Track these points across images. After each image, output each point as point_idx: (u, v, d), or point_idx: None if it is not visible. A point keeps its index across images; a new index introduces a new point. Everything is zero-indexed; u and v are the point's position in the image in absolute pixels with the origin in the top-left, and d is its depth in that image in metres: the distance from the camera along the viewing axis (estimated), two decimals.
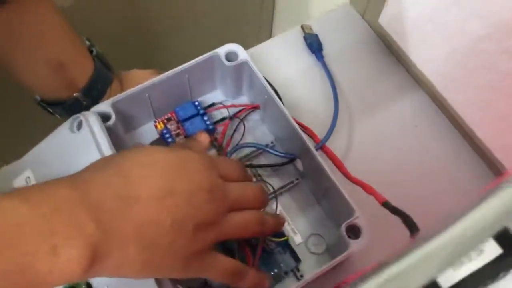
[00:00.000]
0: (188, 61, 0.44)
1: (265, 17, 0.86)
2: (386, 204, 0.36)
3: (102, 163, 0.30)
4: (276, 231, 0.38)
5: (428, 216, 0.44)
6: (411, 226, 0.30)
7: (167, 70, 0.54)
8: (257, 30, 0.88)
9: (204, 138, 0.40)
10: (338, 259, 0.37)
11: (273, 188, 0.45)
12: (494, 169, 0.47)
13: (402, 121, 0.50)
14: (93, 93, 0.44)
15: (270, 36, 0.89)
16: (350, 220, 0.38)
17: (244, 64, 0.44)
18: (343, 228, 0.38)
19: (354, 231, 0.38)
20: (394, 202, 0.37)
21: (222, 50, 0.44)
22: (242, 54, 0.44)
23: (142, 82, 0.48)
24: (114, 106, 0.42)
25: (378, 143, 0.49)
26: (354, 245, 0.37)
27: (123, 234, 0.27)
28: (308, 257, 0.43)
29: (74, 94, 0.44)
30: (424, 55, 0.50)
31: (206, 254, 0.31)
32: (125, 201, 0.27)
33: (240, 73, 0.46)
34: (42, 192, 0.26)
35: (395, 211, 0.34)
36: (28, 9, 0.39)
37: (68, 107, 0.44)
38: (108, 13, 0.66)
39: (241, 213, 0.33)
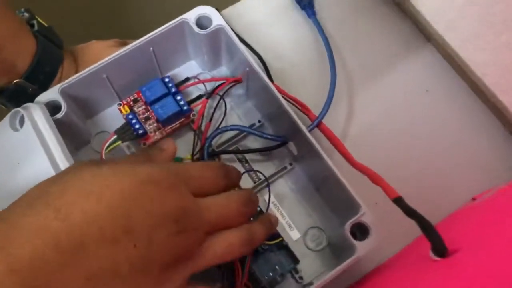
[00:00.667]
0: (154, 29, 0.36)
1: None
2: (398, 201, 0.29)
3: (35, 196, 0.22)
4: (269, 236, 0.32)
5: (449, 196, 0.38)
6: (434, 243, 0.24)
7: (132, 39, 0.47)
8: None
9: (170, 145, 0.31)
10: (344, 265, 0.31)
11: (264, 176, 0.38)
12: None
13: (411, 86, 0.43)
14: (39, 77, 0.37)
15: None
16: (355, 218, 0.32)
17: (220, 30, 0.37)
18: (347, 227, 0.32)
19: (360, 229, 0.32)
20: (408, 188, 0.31)
21: (191, 15, 0.36)
22: (217, 18, 0.36)
23: (102, 57, 0.40)
24: (64, 93, 0.34)
25: (384, 116, 0.42)
26: (361, 248, 0.31)
27: (69, 285, 0.20)
28: (307, 254, 0.37)
29: (15, 81, 0.36)
30: (435, 4, 0.42)
31: None
32: (68, 252, 0.20)
33: (217, 41, 0.38)
34: None
35: (409, 212, 0.27)
36: None
37: (11, 96, 0.37)
38: None
39: (221, 236, 0.26)
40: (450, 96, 0.43)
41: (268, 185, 0.38)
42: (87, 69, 0.35)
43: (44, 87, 0.38)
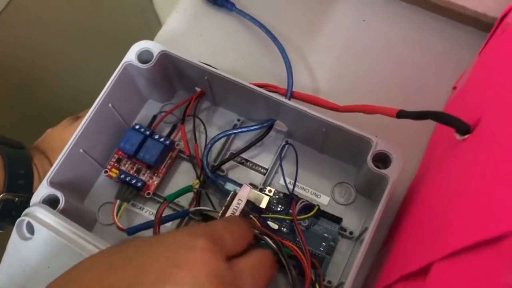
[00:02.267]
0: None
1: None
2: (402, 114, 0.30)
3: None
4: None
5: (431, 98, 0.40)
6: (456, 125, 0.25)
7: (75, 112, 0.46)
8: (143, 22, 0.78)
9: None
10: (385, 195, 0.32)
11: (265, 170, 0.39)
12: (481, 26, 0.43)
13: (348, 24, 0.45)
14: (19, 183, 0.36)
15: (159, 21, 0.79)
16: (371, 152, 0.33)
17: (164, 56, 0.37)
18: (370, 164, 0.32)
19: (381, 160, 0.33)
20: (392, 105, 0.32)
21: (131, 55, 0.36)
22: (156, 46, 0.36)
23: (67, 137, 0.40)
24: (53, 184, 0.34)
25: (339, 59, 0.44)
26: (392, 173, 0.32)
27: None
28: (343, 211, 0.38)
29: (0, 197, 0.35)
30: None
31: None
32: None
33: (165, 68, 0.38)
34: None
35: (419, 115, 0.29)
36: None
37: (2, 214, 0.36)
38: None
39: None
40: (387, 17, 0.45)
41: (282, 170, 0.38)
42: (64, 151, 0.34)
43: (29, 189, 0.37)
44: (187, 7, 0.47)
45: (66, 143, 0.37)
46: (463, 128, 0.25)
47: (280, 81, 0.40)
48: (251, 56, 0.45)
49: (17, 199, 0.36)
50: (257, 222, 0.33)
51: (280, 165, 0.38)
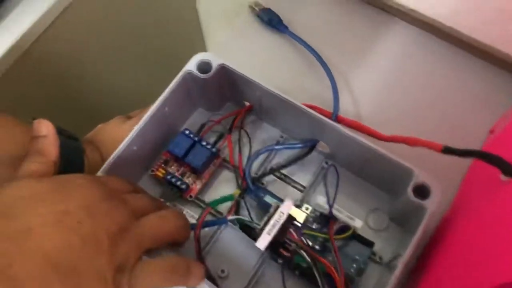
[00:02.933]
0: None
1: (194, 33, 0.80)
2: (447, 150, 0.32)
3: None
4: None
5: (467, 138, 0.42)
6: (503, 167, 0.27)
7: (126, 111, 0.48)
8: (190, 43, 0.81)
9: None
10: (422, 225, 0.33)
11: (303, 187, 0.41)
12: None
13: (395, 57, 0.47)
14: (70, 171, 0.38)
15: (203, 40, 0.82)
16: (412, 182, 0.34)
17: (221, 69, 0.39)
18: (410, 192, 0.34)
19: (420, 192, 0.35)
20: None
21: (192, 65, 0.39)
22: (215, 59, 0.39)
23: (120, 134, 0.41)
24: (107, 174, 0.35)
25: (383, 90, 0.46)
26: (431, 205, 0.33)
27: (32, 270, 0.23)
28: (375, 236, 0.39)
29: None
30: None
31: (136, 265, 0.28)
32: (17, 239, 0.23)
33: (220, 80, 0.40)
34: None
35: (465, 152, 0.30)
36: None
37: None
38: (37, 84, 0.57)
39: (151, 214, 0.30)
40: (432, 55, 0.47)
41: (326, 189, 0.40)
42: (120, 146, 0.36)
43: None
44: (241, 25, 0.49)
45: (118, 139, 0.39)
46: (509, 170, 0.27)
47: (323, 104, 0.42)
48: (298, 78, 0.47)
49: None
50: (295, 235, 0.35)
51: (325, 185, 0.40)
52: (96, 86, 0.65)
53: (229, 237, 0.39)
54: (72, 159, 0.39)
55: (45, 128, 0.31)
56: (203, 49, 0.87)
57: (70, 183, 0.28)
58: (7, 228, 0.24)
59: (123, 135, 0.38)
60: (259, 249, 0.38)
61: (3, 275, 0.22)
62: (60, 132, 0.39)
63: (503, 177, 0.27)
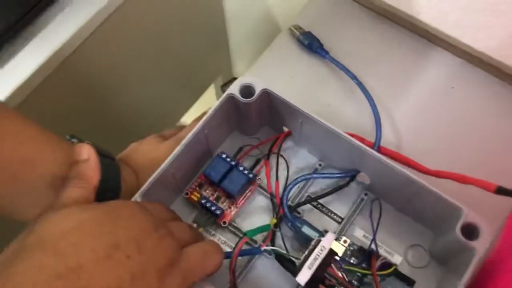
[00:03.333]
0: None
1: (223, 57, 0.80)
2: (501, 191, 0.31)
3: (15, 250, 0.24)
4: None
5: None
6: None
7: (159, 124, 0.47)
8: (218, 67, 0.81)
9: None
10: (471, 268, 0.32)
11: (340, 218, 0.39)
12: None
13: (438, 88, 0.46)
14: (108, 195, 0.37)
15: (229, 58, 0.82)
16: (461, 221, 0.33)
17: (264, 94, 0.38)
18: (458, 232, 0.32)
19: (468, 232, 0.33)
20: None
21: (235, 89, 0.38)
22: (259, 84, 0.38)
23: (155, 155, 0.41)
24: (144, 197, 0.35)
25: (427, 122, 0.45)
26: (481, 247, 0.32)
27: None
28: (415, 273, 0.37)
29: None
30: (429, 10, 0.45)
31: None
32: (68, 277, 0.22)
33: (261, 105, 0.39)
34: None
35: None
36: (3, 135, 0.31)
37: None
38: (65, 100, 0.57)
39: (193, 245, 0.30)
40: (477, 87, 0.45)
41: (372, 221, 0.39)
42: (159, 170, 0.35)
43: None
44: (281, 48, 0.48)
45: (155, 160, 0.38)
46: None
47: (362, 133, 0.41)
48: (336, 104, 0.46)
49: None
50: (336, 270, 0.33)
51: (371, 217, 0.39)
52: (125, 102, 0.65)
53: (263, 267, 0.38)
54: (108, 180, 0.38)
55: (87, 152, 0.31)
56: (230, 68, 0.87)
57: (117, 213, 0.27)
58: (58, 266, 0.23)
59: (160, 156, 0.37)
60: (293, 281, 0.37)
61: None
62: (97, 151, 0.39)
63: None
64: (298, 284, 0.37)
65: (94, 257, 0.24)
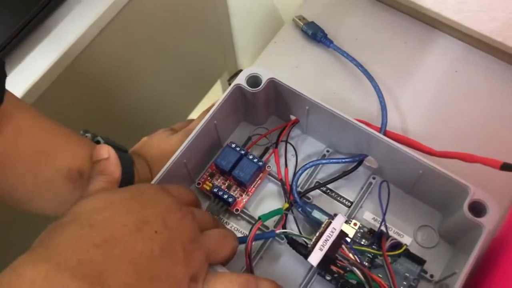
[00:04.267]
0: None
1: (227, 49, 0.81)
2: (506, 167, 0.31)
3: (54, 227, 0.26)
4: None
5: None
6: None
7: (168, 119, 0.49)
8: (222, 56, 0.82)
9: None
10: (479, 245, 0.32)
11: (350, 202, 0.40)
12: None
13: (442, 72, 0.46)
14: (121, 184, 0.38)
15: (234, 53, 0.83)
16: (468, 199, 0.33)
17: (271, 83, 0.39)
18: (466, 210, 0.33)
19: (476, 209, 0.34)
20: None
21: (242, 79, 0.39)
22: (265, 73, 0.39)
23: (165, 147, 0.42)
24: None
25: (433, 105, 0.45)
26: (488, 223, 0.33)
27: (120, 277, 0.23)
28: (425, 253, 0.38)
29: None
30: None
31: (209, 275, 0.29)
32: (104, 247, 0.24)
33: (266, 94, 0.40)
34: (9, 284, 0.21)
35: None
36: (19, 129, 0.32)
37: None
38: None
39: (213, 230, 0.32)
40: (480, 69, 0.46)
41: (381, 204, 0.39)
42: (171, 160, 0.36)
43: None
44: (285, 39, 0.49)
45: (166, 152, 0.39)
46: None
47: (369, 119, 0.42)
48: (342, 92, 0.46)
49: None
50: (347, 251, 0.34)
51: (379, 200, 0.39)
52: (134, 98, 0.66)
53: (277, 252, 0.39)
54: (123, 172, 0.39)
55: (106, 151, 0.33)
56: (235, 62, 0.88)
57: (143, 194, 0.29)
58: (94, 237, 0.24)
59: (172, 148, 0.38)
60: (306, 264, 0.38)
61: (95, 281, 0.22)
62: (111, 144, 0.40)
63: None
64: (311, 267, 0.38)
65: (126, 230, 0.25)
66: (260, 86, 0.39)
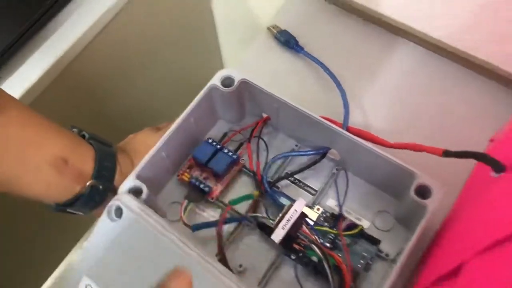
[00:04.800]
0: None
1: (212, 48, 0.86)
2: (447, 153, 0.35)
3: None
4: None
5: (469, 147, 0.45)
6: (493, 164, 0.30)
7: (156, 123, 0.53)
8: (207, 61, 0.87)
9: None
10: (423, 222, 0.36)
11: (315, 191, 0.44)
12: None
13: (401, 74, 0.51)
14: (104, 174, 0.42)
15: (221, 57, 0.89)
16: (415, 183, 0.38)
17: (243, 83, 0.43)
18: (412, 192, 0.37)
19: (422, 192, 0.38)
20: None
21: (216, 79, 0.43)
22: (238, 75, 0.43)
23: (149, 143, 0.46)
24: (139, 177, 0.40)
25: (392, 104, 0.50)
26: (431, 204, 0.37)
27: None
28: (382, 235, 0.42)
29: (88, 183, 0.42)
30: (391, 3, 0.51)
31: None
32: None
33: (239, 94, 0.45)
34: None
35: (463, 154, 0.34)
36: (9, 119, 0.37)
37: (87, 199, 0.42)
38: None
39: None
40: (435, 71, 0.51)
41: (337, 190, 0.44)
42: (151, 151, 0.40)
43: (110, 181, 0.43)
44: (260, 46, 0.54)
45: (149, 147, 0.43)
46: (499, 166, 0.30)
47: (335, 117, 0.46)
48: (312, 93, 0.51)
49: (101, 187, 0.42)
50: (307, 231, 0.38)
51: (336, 188, 0.44)
52: (126, 103, 0.71)
53: (247, 235, 0.43)
54: (106, 160, 0.43)
55: None
56: (221, 67, 0.93)
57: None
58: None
59: (154, 144, 0.43)
60: (274, 246, 0.42)
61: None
62: (95, 139, 0.44)
63: (493, 174, 0.31)
64: (278, 248, 0.42)
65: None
66: (233, 86, 0.43)
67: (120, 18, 0.59)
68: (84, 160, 0.43)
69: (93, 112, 0.65)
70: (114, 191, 0.43)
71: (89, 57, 0.58)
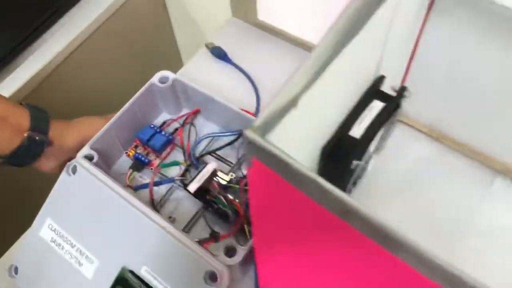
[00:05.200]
0: None
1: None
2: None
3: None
4: None
5: None
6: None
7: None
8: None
9: None
10: None
11: (231, 163, 0.58)
12: None
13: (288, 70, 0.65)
14: (39, 127, 0.54)
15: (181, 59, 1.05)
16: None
17: (176, 82, 0.57)
18: None
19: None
20: None
21: (155, 78, 0.57)
22: (171, 75, 0.57)
23: (97, 126, 0.57)
24: (93, 148, 0.53)
25: None
26: None
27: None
28: None
29: (25, 134, 0.52)
30: (293, 24, 0.66)
31: None
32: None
33: (176, 91, 0.59)
34: None
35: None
36: None
37: (27, 149, 0.53)
38: None
39: None
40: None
41: (240, 167, 0.57)
42: (103, 128, 0.54)
43: (45, 134, 0.54)
44: (200, 58, 0.69)
45: (96, 124, 0.56)
46: None
47: (250, 109, 0.60)
48: (236, 92, 0.65)
49: (37, 137, 0.53)
50: (216, 185, 0.51)
51: (239, 161, 0.57)
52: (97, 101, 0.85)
53: (178, 195, 0.56)
54: (40, 121, 0.55)
55: None
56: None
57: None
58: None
59: (100, 122, 0.56)
60: (197, 202, 0.54)
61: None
62: (29, 104, 0.56)
63: None
64: (200, 204, 0.55)
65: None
66: (167, 83, 0.57)
67: (88, 44, 0.74)
68: (21, 116, 0.54)
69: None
70: (49, 144, 0.55)
71: (73, 62, 0.73)
